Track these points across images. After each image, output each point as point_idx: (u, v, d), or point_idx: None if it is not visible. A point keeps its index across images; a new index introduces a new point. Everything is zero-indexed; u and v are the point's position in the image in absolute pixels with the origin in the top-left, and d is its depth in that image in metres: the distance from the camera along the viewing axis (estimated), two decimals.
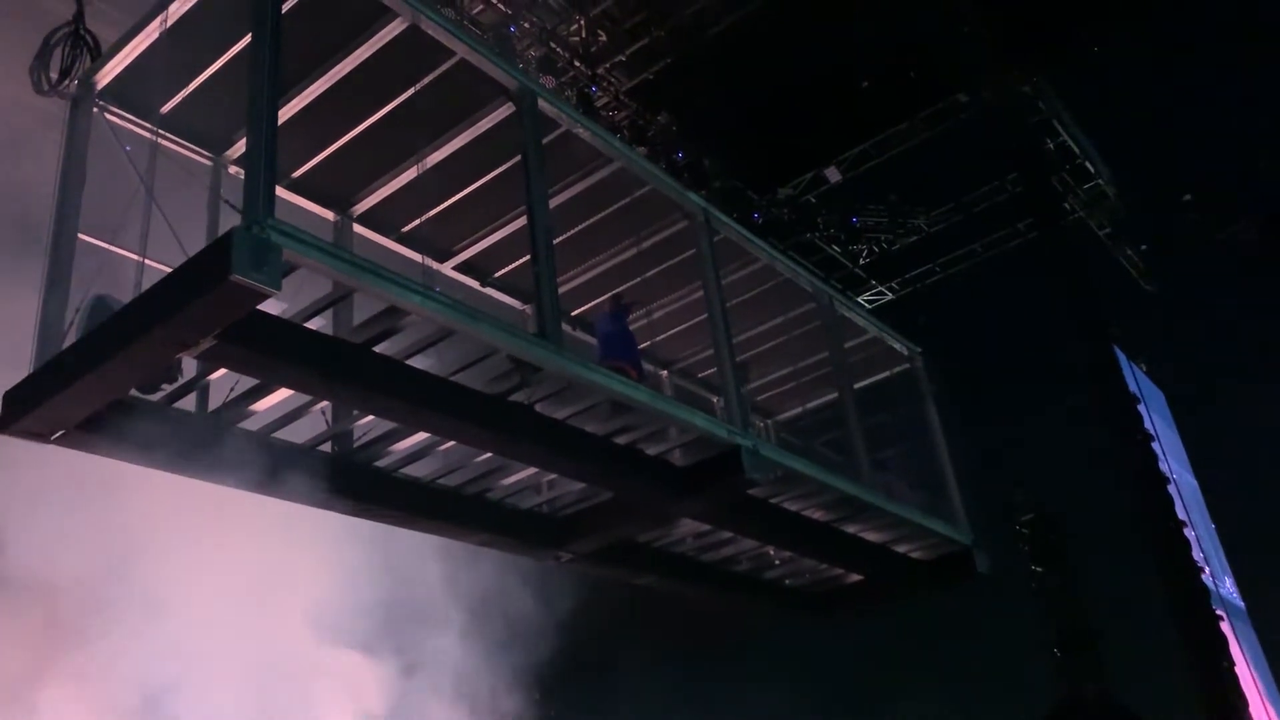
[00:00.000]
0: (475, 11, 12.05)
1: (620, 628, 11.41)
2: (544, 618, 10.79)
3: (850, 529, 8.90)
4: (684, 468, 7.34)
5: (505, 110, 6.67)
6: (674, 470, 7.32)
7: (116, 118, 6.30)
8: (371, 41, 6.17)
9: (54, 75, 6.34)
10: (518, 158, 6.54)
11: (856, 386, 9.46)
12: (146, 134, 6.31)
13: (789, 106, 14.03)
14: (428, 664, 10.26)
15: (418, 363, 5.92)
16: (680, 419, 6.82)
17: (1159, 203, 15.42)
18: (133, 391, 5.54)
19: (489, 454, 6.78)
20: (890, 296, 17.45)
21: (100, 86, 6.18)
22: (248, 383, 5.75)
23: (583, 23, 12.65)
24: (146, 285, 5.16)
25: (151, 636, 8.13)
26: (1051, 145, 15.18)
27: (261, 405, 5.86)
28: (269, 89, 4.85)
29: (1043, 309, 14.97)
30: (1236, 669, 12.04)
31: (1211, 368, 15.53)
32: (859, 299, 16.86)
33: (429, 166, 7.03)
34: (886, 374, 10.28)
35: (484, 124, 6.83)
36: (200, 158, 6.82)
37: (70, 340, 5.35)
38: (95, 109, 6.17)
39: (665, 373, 9.88)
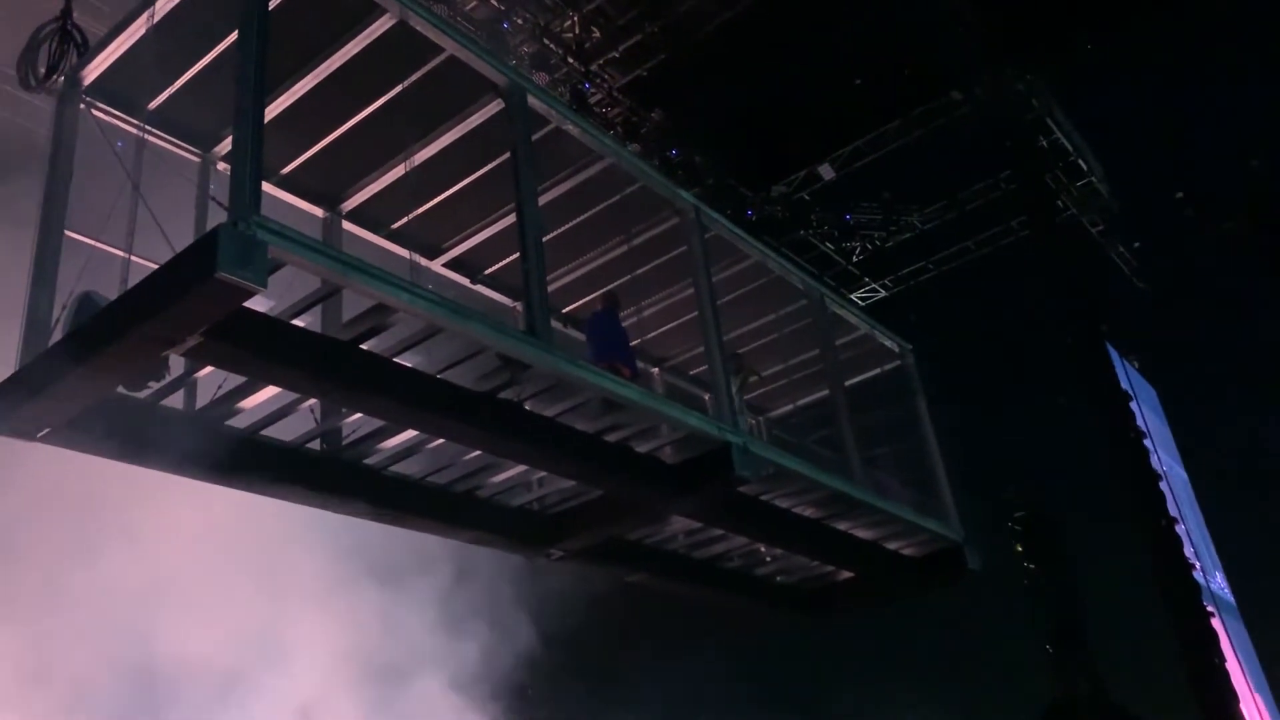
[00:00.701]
0: (468, 7, 12.04)
1: (614, 623, 11.39)
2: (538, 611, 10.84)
3: (841, 526, 8.90)
4: (674, 465, 7.33)
5: (495, 106, 6.65)
6: (664, 468, 7.31)
7: (104, 114, 6.26)
8: (360, 38, 6.14)
9: (41, 71, 6.32)
10: (507, 154, 6.52)
11: (848, 384, 9.46)
12: (134, 130, 6.29)
13: (783, 103, 14.03)
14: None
15: (406, 360, 5.91)
16: (669, 416, 6.81)
17: (1151, 200, 15.44)
18: (120, 389, 5.52)
19: (478, 452, 6.76)
20: (883, 294, 17.49)
21: (87, 82, 6.14)
22: (235, 380, 5.73)
23: (576, 19, 12.63)
24: (133, 282, 5.14)
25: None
26: (1045, 143, 15.19)
27: (249, 403, 5.84)
28: (255, 85, 4.82)
29: (1035, 306, 15.00)
30: (1227, 665, 12.06)
31: (1203, 364, 15.54)
32: (852, 296, 16.89)
33: (418, 163, 6.99)
34: (878, 371, 10.28)
35: (473, 120, 6.80)
36: (188, 154, 6.79)
37: (57, 337, 5.32)
38: (82, 105, 6.14)
39: (657, 370, 9.87)
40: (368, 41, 6.13)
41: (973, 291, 16.49)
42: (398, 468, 6.97)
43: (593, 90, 13.20)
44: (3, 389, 5.23)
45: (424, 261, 8.03)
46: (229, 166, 5.95)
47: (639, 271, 8.43)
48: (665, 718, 12.36)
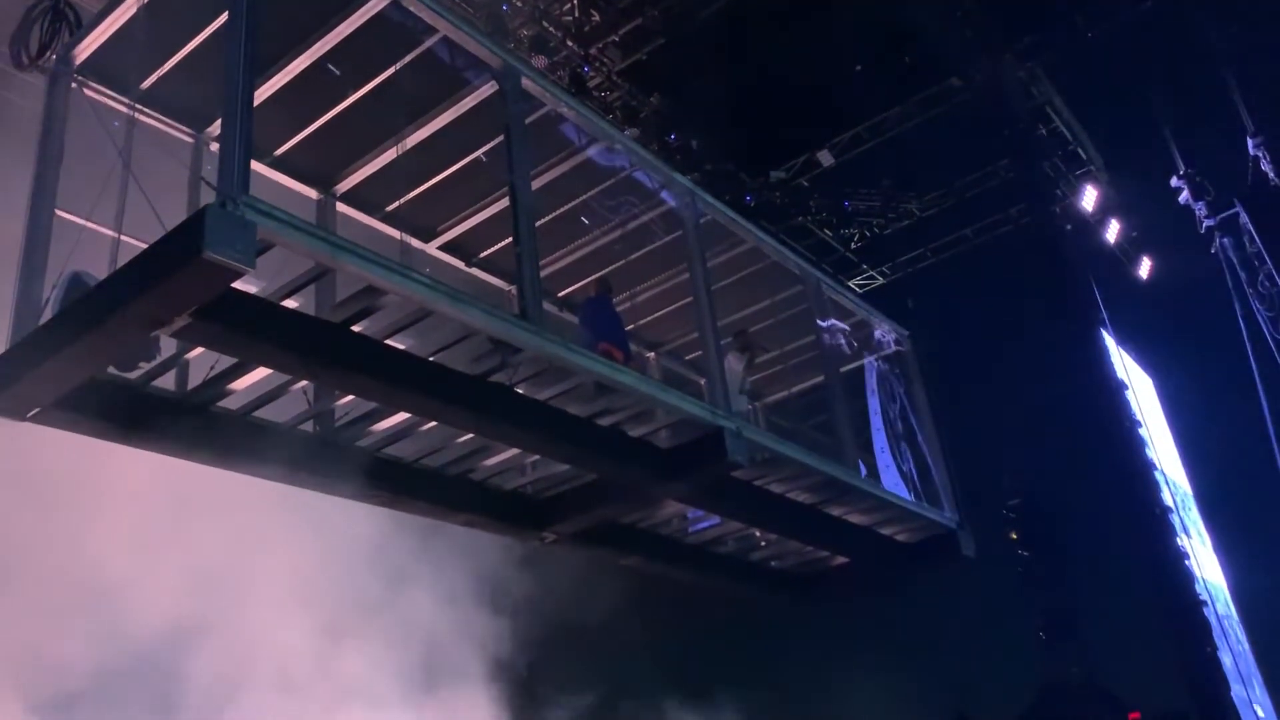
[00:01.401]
0: None
1: (612, 605, 11.41)
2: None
3: (835, 511, 8.90)
4: (667, 450, 7.34)
5: (489, 88, 6.62)
6: (657, 452, 7.31)
7: (96, 93, 6.23)
8: (354, 17, 6.11)
9: (34, 49, 6.29)
10: (502, 137, 6.49)
11: (844, 370, 9.45)
12: (126, 109, 6.26)
13: (782, 89, 13.96)
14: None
15: (399, 343, 5.91)
16: (661, 401, 6.81)
17: (1150, 189, 15.40)
18: (111, 370, 5.52)
19: (471, 435, 6.76)
20: (881, 281, 17.46)
21: (79, 61, 6.11)
22: (227, 361, 5.72)
23: (575, 2, 12.56)
24: (123, 263, 5.12)
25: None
26: (1044, 131, 15.15)
27: (240, 384, 5.83)
28: (245, 65, 4.80)
29: (1032, 295, 14.99)
30: (1219, 653, 12.11)
31: (1200, 354, 15.54)
32: (850, 283, 16.86)
33: (412, 145, 6.98)
34: (874, 357, 10.28)
35: (468, 102, 6.78)
36: (182, 134, 6.77)
37: (47, 317, 5.31)
38: (74, 84, 6.11)
39: (653, 355, 9.88)
40: (361, 21, 6.10)
41: (971, 279, 16.46)
42: (391, 450, 6.97)
43: (592, 74, 13.14)
44: None
45: (418, 244, 8.02)
46: None
47: (635, 255, 8.43)
48: (661, 698, 12.38)
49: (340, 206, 7.45)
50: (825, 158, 15.10)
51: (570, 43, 12.70)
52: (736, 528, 8.96)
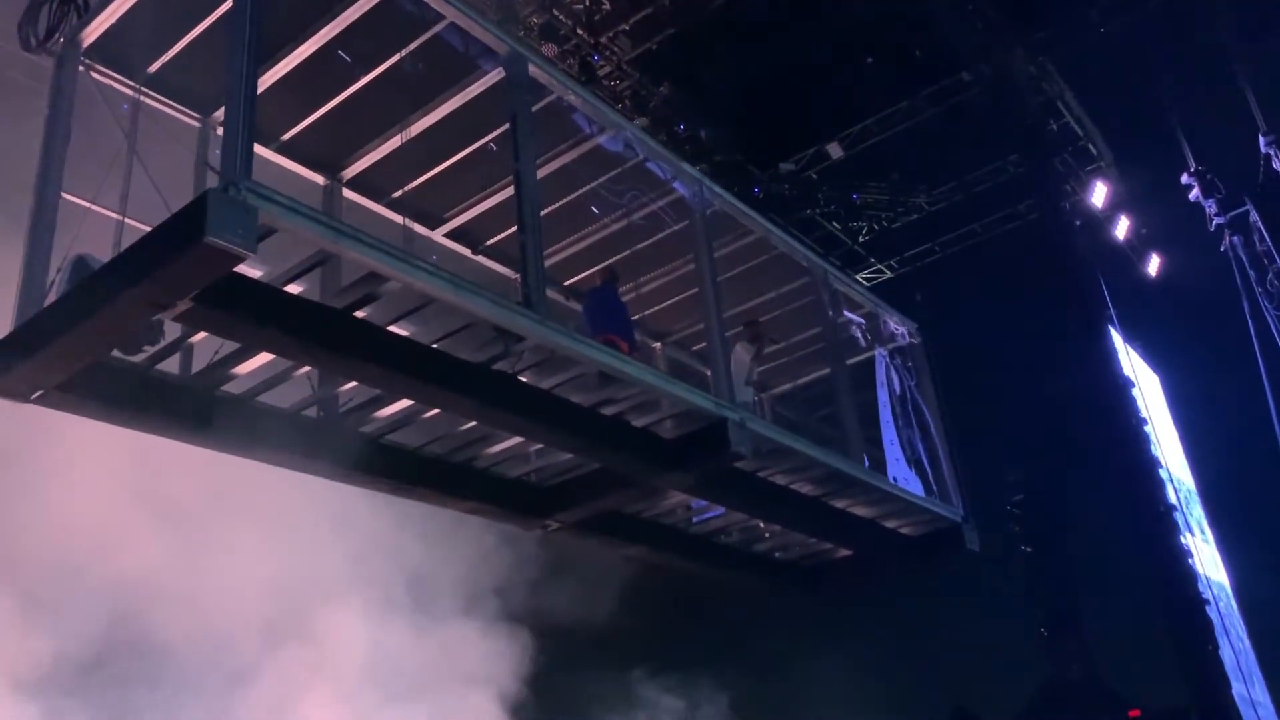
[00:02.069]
0: None
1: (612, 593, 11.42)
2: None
3: (839, 504, 8.88)
4: (670, 440, 7.32)
5: (497, 75, 6.60)
6: (660, 442, 7.30)
7: (103, 76, 6.23)
8: (362, 2, 6.08)
9: (41, 32, 6.28)
10: (509, 124, 6.47)
11: (850, 362, 9.42)
12: (133, 93, 6.25)
13: (792, 81, 13.93)
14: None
15: (402, 329, 5.90)
16: (665, 391, 6.79)
17: (1160, 186, 15.32)
18: (114, 353, 5.52)
19: (473, 423, 6.76)
20: (889, 275, 17.42)
21: (87, 44, 6.10)
22: (231, 346, 5.73)
23: None
24: (127, 246, 5.12)
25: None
26: (1054, 126, 15.09)
27: (244, 369, 5.83)
28: (248, 48, 4.79)
29: (1040, 290, 14.93)
30: (1220, 651, 12.10)
31: (1207, 352, 15.47)
32: (857, 276, 16.83)
33: (419, 132, 6.97)
34: (884, 350, 10.23)
35: (475, 89, 6.76)
36: (188, 119, 6.77)
37: (52, 300, 5.32)
38: (81, 67, 6.10)
39: (659, 345, 9.86)
40: (369, 6, 6.07)
41: (978, 274, 16.41)
42: (394, 437, 6.97)
43: (602, 62, 13.11)
44: None
45: (425, 231, 8.02)
46: None
47: (642, 245, 8.41)
48: (660, 691, 12.41)
49: (346, 192, 7.44)
50: (834, 150, 15.08)
51: (580, 31, 12.67)
52: (740, 519, 8.95)
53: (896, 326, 9.98)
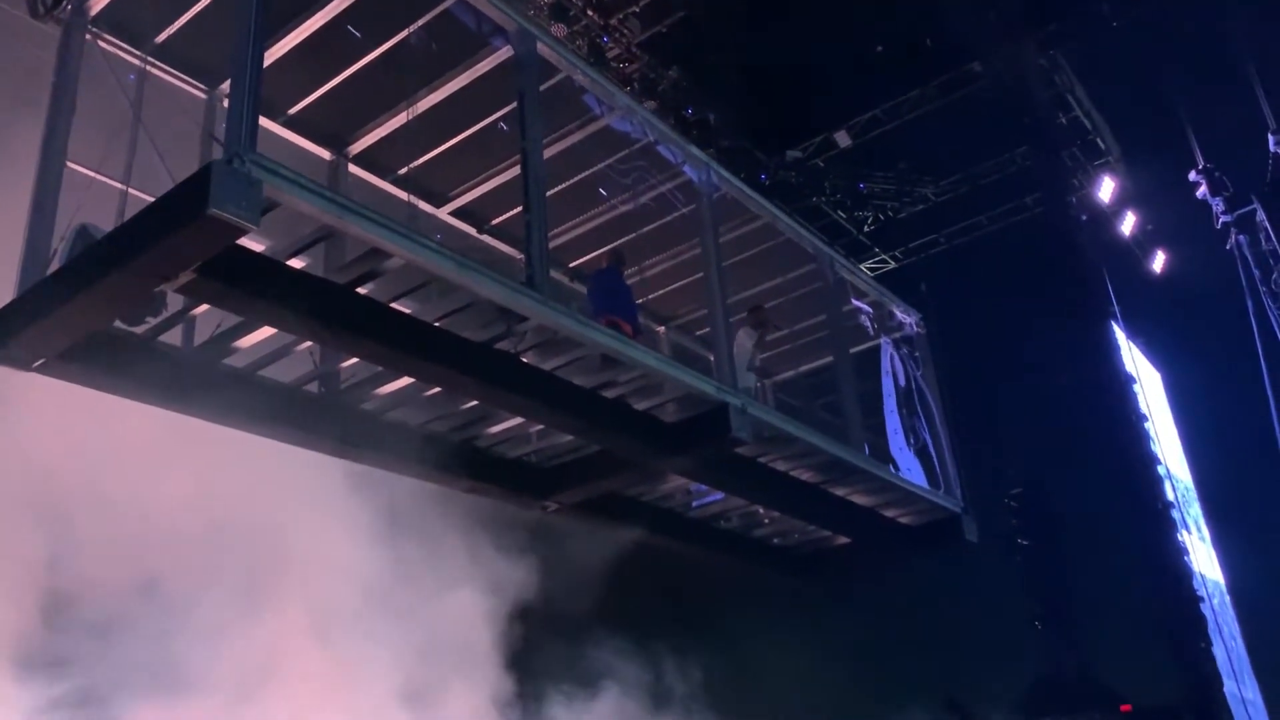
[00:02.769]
0: None
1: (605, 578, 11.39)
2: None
3: (839, 491, 8.88)
4: (672, 424, 7.31)
5: (505, 53, 6.56)
6: (662, 425, 7.29)
7: (109, 45, 6.19)
8: None
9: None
10: (516, 103, 6.44)
11: (853, 351, 9.40)
12: (139, 63, 6.22)
13: (802, 68, 13.86)
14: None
15: (405, 307, 5.88)
16: (667, 374, 6.77)
17: (1167, 183, 15.27)
18: (117, 323, 5.51)
19: (474, 402, 6.75)
20: (893, 265, 17.37)
21: (94, 12, 6.06)
22: (234, 319, 5.72)
23: None
24: (130, 216, 5.10)
25: None
26: (1063, 120, 15.03)
27: (246, 342, 5.82)
28: (256, 19, 4.75)
29: (1045, 284, 14.91)
30: (1213, 649, 12.13)
31: (1210, 351, 15.46)
32: (861, 266, 16.78)
33: (427, 108, 6.93)
34: (889, 338, 10.21)
35: (483, 66, 6.72)
36: (195, 90, 6.73)
37: (55, 268, 5.30)
38: (88, 35, 6.06)
39: (662, 329, 9.85)
40: None
41: (983, 267, 16.37)
42: (395, 414, 6.96)
43: (611, 44, 13.04)
44: None
45: (430, 209, 7.99)
46: None
47: (647, 228, 8.38)
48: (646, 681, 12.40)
49: (352, 168, 7.41)
50: (842, 139, 15.00)
51: (590, 12, 12.60)
52: (739, 504, 8.95)
53: (902, 316, 9.96)
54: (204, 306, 5.59)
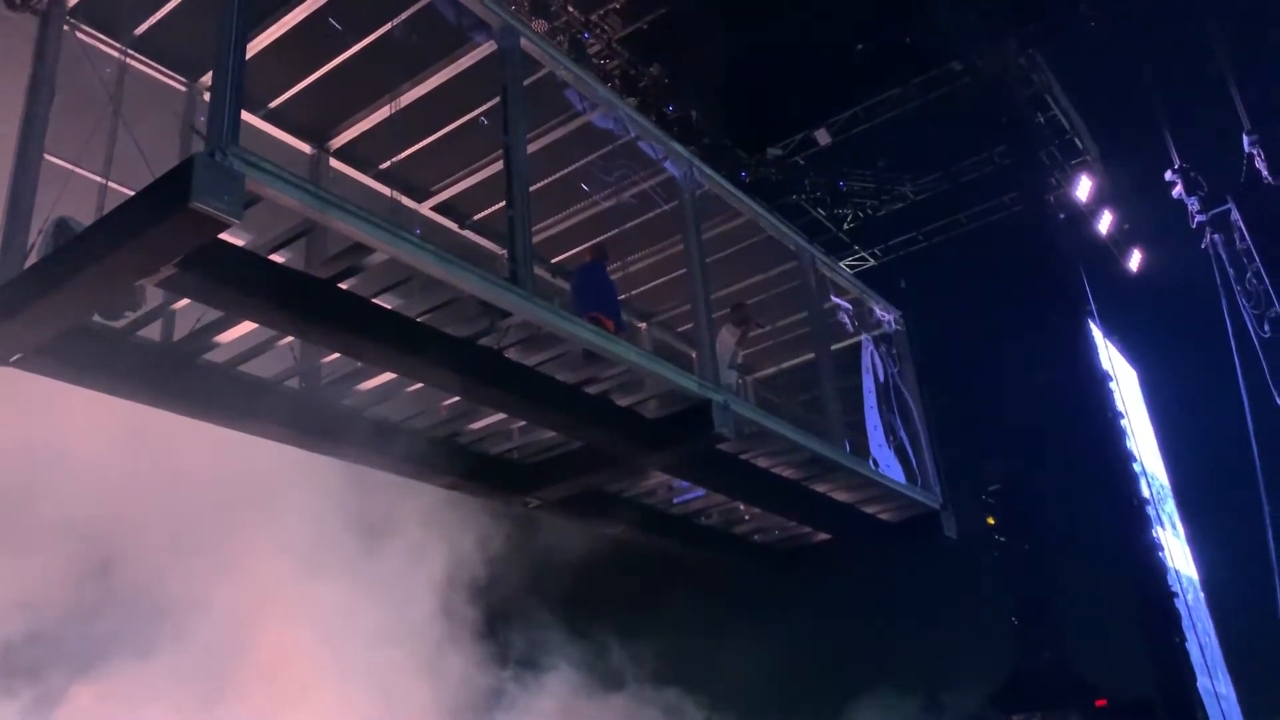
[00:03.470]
0: None
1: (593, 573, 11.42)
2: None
3: (820, 488, 8.93)
4: (654, 420, 7.32)
5: (488, 48, 6.54)
6: (644, 421, 7.30)
7: (88, 36, 6.13)
8: None
9: None
10: (499, 98, 6.42)
11: (834, 348, 9.45)
12: (118, 55, 6.16)
13: (782, 66, 13.88)
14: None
15: (387, 302, 5.86)
16: (649, 370, 6.78)
17: (1144, 182, 15.41)
18: (96, 317, 5.46)
19: (456, 398, 6.73)
20: (872, 262, 17.44)
21: (72, 3, 6.00)
22: (214, 313, 5.67)
23: None
24: (110, 209, 5.05)
25: None
26: (1042, 119, 15.13)
27: (226, 337, 5.78)
28: (238, 12, 4.72)
29: (1022, 283, 15.02)
30: (1187, 645, 12.27)
31: (1185, 349, 15.62)
32: (841, 264, 16.84)
33: (408, 103, 6.90)
34: (869, 336, 10.26)
35: (466, 62, 6.70)
36: (174, 83, 6.68)
37: (32, 262, 5.24)
38: (66, 27, 5.99)
39: (644, 325, 9.85)
40: None
41: (962, 265, 16.47)
42: (376, 410, 6.94)
43: (591, 40, 13.02)
44: None
45: (411, 204, 7.96)
46: None
47: (630, 225, 8.38)
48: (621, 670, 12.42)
49: (333, 162, 7.37)
50: (822, 136, 15.04)
51: (571, 8, 12.57)
52: (721, 500, 8.98)
53: (881, 313, 10.01)
54: (184, 301, 5.54)
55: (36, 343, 5.24)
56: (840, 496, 9.12)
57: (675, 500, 9.00)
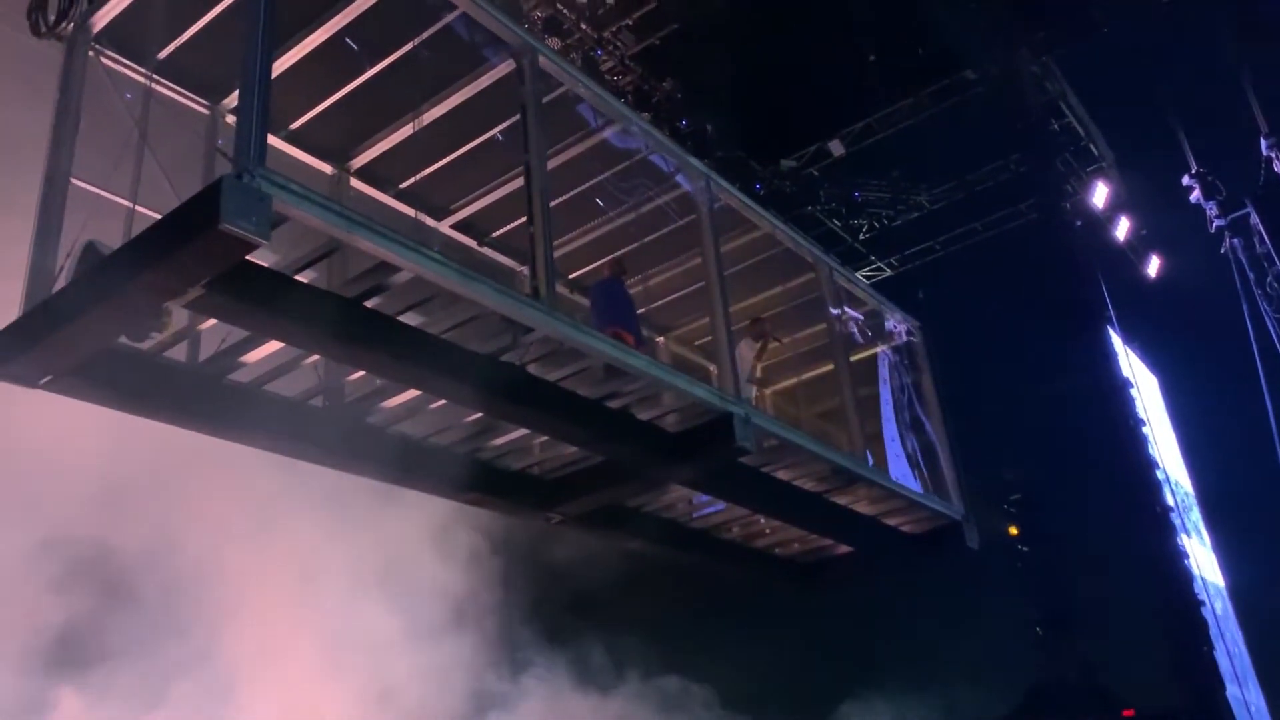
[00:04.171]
0: None
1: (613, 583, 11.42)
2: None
3: (841, 500, 8.91)
4: (675, 434, 7.33)
5: (507, 67, 6.60)
6: (665, 436, 7.31)
7: (112, 61, 6.21)
8: None
9: (51, 17, 6.26)
10: (518, 116, 6.47)
11: (852, 359, 9.43)
12: (143, 79, 6.24)
13: (795, 77, 13.93)
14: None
15: (411, 320, 5.89)
16: (670, 384, 6.79)
17: (1161, 187, 15.36)
18: (123, 339, 5.51)
19: (479, 414, 6.76)
20: (889, 273, 17.42)
21: (97, 29, 6.08)
22: (239, 334, 5.72)
23: None
24: (137, 232, 5.11)
25: None
26: (1056, 126, 15.11)
27: (252, 357, 5.82)
28: (263, 36, 4.77)
29: (1040, 290, 14.96)
30: (1215, 653, 12.14)
31: (1206, 354, 15.52)
32: (858, 274, 16.82)
33: (428, 122, 6.97)
34: (887, 347, 10.25)
35: (484, 81, 6.76)
36: (198, 106, 6.75)
37: (61, 285, 5.30)
38: (91, 52, 6.08)
39: (663, 339, 9.87)
40: None
41: (979, 273, 16.43)
42: (399, 427, 6.97)
43: (604, 57, 13.11)
44: (5, 335, 5.21)
45: (431, 222, 8.01)
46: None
47: (648, 239, 8.41)
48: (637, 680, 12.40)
49: (354, 182, 7.43)
50: (836, 147, 15.06)
51: (584, 25, 12.66)
52: (741, 514, 8.96)
53: (899, 324, 10.00)
54: (210, 322, 5.59)
55: (66, 365, 5.29)
56: (862, 509, 9.10)
57: (695, 515, 9.00)
